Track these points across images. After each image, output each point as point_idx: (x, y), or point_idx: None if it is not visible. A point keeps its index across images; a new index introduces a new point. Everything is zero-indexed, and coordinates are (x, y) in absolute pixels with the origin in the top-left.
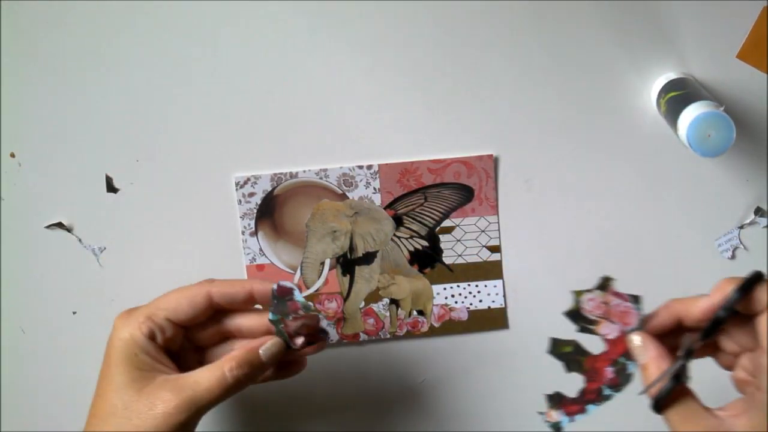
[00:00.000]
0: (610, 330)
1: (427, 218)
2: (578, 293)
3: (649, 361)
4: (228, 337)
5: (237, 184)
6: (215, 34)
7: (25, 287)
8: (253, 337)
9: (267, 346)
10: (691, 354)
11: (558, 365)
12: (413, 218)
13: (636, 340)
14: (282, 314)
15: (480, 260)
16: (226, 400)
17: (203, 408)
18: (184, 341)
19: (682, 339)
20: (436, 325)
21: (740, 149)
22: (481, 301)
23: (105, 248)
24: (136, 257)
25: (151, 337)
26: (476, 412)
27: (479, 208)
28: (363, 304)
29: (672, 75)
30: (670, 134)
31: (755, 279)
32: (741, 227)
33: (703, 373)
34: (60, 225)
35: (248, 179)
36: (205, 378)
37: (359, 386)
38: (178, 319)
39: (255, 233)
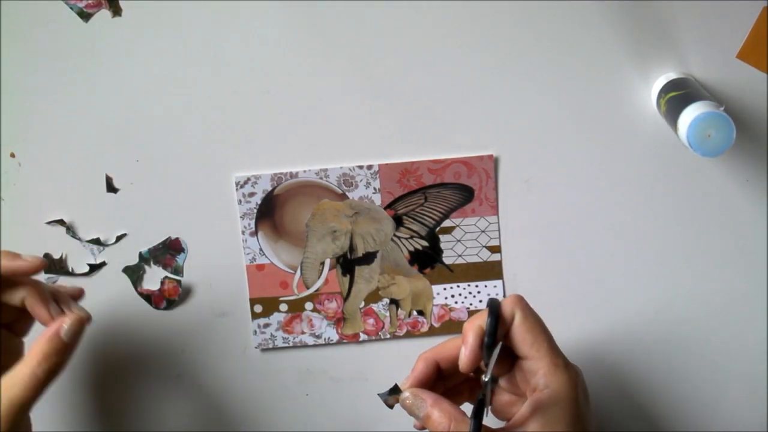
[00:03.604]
0: None
1: (427, 218)
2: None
3: (430, 408)
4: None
5: (237, 184)
6: (216, 35)
7: None
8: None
9: (67, 329)
10: (484, 400)
11: None
12: (413, 218)
13: (405, 395)
14: None
15: (480, 260)
16: (219, 409)
17: (26, 407)
18: None
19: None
20: (436, 325)
21: (740, 149)
22: (481, 301)
23: (104, 248)
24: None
25: None
26: None
27: (479, 209)
28: (363, 304)
29: (672, 75)
30: (670, 134)
31: (496, 304)
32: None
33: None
34: (61, 222)
35: (248, 179)
36: (18, 380)
37: (359, 386)
38: None
39: (255, 233)
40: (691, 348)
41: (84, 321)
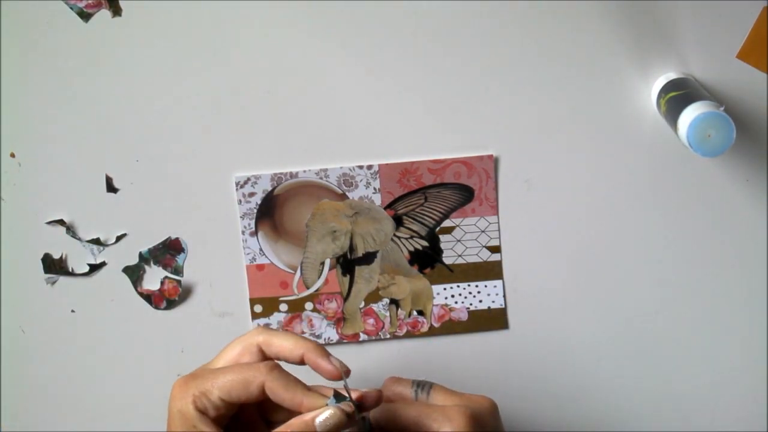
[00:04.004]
0: None
1: (427, 218)
2: None
3: None
4: None
5: (237, 184)
6: (216, 35)
7: (25, 287)
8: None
9: (324, 417)
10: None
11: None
12: (413, 218)
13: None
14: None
15: (480, 260)
16: None
17: None
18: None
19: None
20: (436, 325)
21: (740, 149)
22: (481, 301)
23: (104, 248)
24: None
25: (204, 412)
26: None
27: (479, 208)
28: (363, 304)
29: (672, 75)
30: (670, 134)
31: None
32: None
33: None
34: (61, 222)
35: (248, 179)
36: None
37: (359, 386)
38: (231, 400)
39: (255, 233)
40: (691, 348)
41: (343, 417)
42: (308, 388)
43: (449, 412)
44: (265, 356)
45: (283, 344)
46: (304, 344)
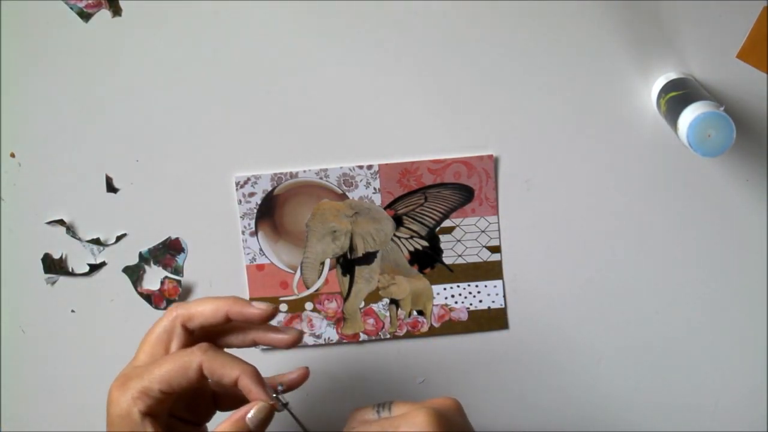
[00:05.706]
0: None
1: (427, 218)
2: None
3: None
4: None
5: (237, 184)
6: (215, 35)
7: (25, 287)
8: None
9: (253, 413)
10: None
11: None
12: (413, 218)
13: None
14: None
15: (480, 260)
16: None
17: None
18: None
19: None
20: (436, 325)
21: (740, 149)
22: (481, 301)
23: (104, 248)
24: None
25: (149, 412)
26: (476, 412)
27: (479, 209)
28: (363, 304)
29: (672, 75)
30: (670, 134)
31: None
32: None
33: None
34: (61, 222)
35: (248, 179)
36: None
37: (359, 386)
38: (172, 390)
39: (255, 233)
40: (691, 348)
41: (273, 409)
42: (245, 363)
43: (410, 416)
44: (190, 333)
45: (203, 311)
46: (224, 301)
